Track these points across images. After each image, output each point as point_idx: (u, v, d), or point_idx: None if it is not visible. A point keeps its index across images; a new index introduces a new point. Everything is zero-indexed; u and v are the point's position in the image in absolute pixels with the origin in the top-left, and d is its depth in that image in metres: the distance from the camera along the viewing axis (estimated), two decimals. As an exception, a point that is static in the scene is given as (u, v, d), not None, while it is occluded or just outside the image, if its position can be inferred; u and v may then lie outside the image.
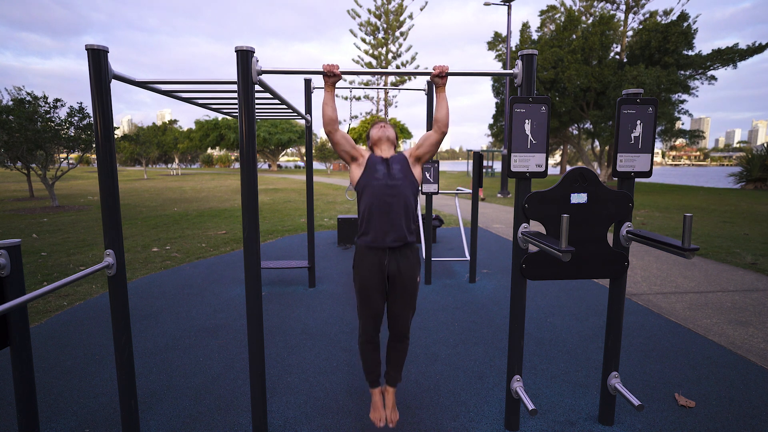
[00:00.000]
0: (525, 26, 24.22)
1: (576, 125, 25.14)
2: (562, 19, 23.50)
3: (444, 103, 2.09)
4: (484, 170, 30.97)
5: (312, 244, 4.71)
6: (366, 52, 29.17)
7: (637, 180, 12.07)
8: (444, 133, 2.13)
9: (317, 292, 4.57)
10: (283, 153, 53.02)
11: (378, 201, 2.02)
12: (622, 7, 23.63)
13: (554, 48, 21.31)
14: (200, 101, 3.30)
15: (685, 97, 20.71)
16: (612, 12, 23.16)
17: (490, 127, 28.28)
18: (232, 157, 65.92)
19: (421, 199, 10.19)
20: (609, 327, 2.25)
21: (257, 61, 1.95)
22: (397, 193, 2.03)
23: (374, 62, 29.08)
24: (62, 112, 23.59)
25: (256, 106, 3.75)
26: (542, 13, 25.41)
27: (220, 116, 43.43)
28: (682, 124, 22.25)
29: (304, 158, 8.43)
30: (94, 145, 12.03)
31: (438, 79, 2.04)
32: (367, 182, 2.06)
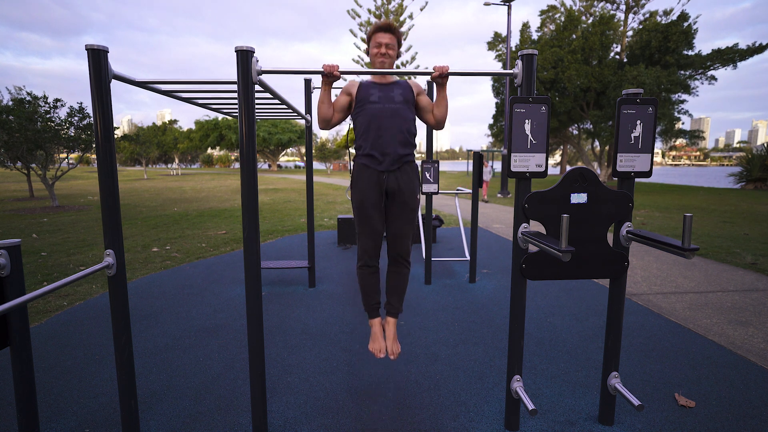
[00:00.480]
0: (525, 26, 24.23)
1: (576, 125, 25.15)
2: (562, 19, 23.50)
3: (444, 102, 2.08)
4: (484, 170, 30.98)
5: (312, 244, 4.71)
6: (366, 53, 29.20)
7: (637, 180, 12.02)
8: (439, 128, 2.12)
9: (317, 292, 4.57)
10: (283, 153, 53.02)
11: (375, 121, 1.94)
12: (622, 7, 23.63)
13: (554, 48, 21.31)
14: (200, 101, 3.30)
15: (685, 97, 20.73)
16: (612, 12, 23.17)
17: (490, 127, 28.28)
18: (232, 157, 65.92)
19: (422, 200, 10.19)
20: (609, 327, 2.26)
21: (257, 61, 1.95)
22: (395, 113, 1.94)
23: (374, 62, 29.09)
24: (62, 112, 23.57)
25: (256, 106, 3.75)
26: (542, 13, 25.41)
27: (220, 116, 43.44)
28: (683, 124, 22.25)
29: (304, 158, 8.43)
30: (94, 145, 12.03)
31: (440, 79, 2.04)
32: (361, 107, 1.97)
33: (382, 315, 2.19)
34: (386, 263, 2.29)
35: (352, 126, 2.16)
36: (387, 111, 1.93)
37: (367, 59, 29.17)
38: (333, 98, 2.09)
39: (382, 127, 1.94)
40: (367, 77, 2.08)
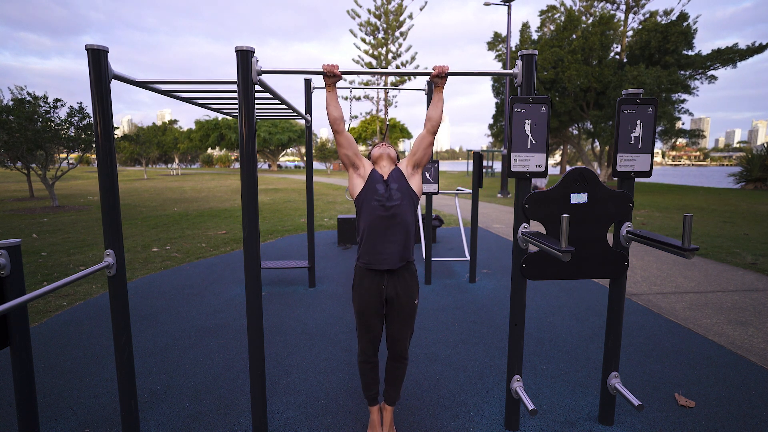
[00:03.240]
0: (525, 26, 24.23)
1: (576, 125, 25.15)
2: (562, 19, 23.49)
3: (440, 104, 2.09)
4: (484, 170, 30.99)
5: (312, 244, 4.71)
6: (366, 52, 29.17)
7: (637, 180, 12.05)
8: (435, 133, 2.13)
9: (317, 292, 4.57)
10: (283, 153, 53.02)
11: (376, 224, 2.00)
12: (622, 7, 23.62)
13: (554, 48, 21.31)
14: (200, 101, 3.30)
15: (685, 96, 20.72)
16: (612, 12, 23.14)
17: (490, 127, 28.28)
18: (232, 157, 65.93)
19: (422, 199, 10.19)
20: (609, 327, 2.26)
21: (257, 61, 1.95)
22: (396, 214, 2.01)
23: (374, 62, 29.07)
24: (62, 112, 23.58)
25: (256, 106, 3.75)
26: (542, 13, 25.40)
27: (220, 116, 43.44)
28: (683, 123, 22.24)
29: (304, 158, 8.42)
30: (94, 145, 12.03)
31: (438, 79, 2.04)
32: (365, 200, 2.04)
33: (380, 400, 2.27)
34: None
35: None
36: (388, 213, 1.99)
37: (367, 59, 29.18)
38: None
39: (382, 232, 2.01)
40: (376, 169, 2.11)
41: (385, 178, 2.07)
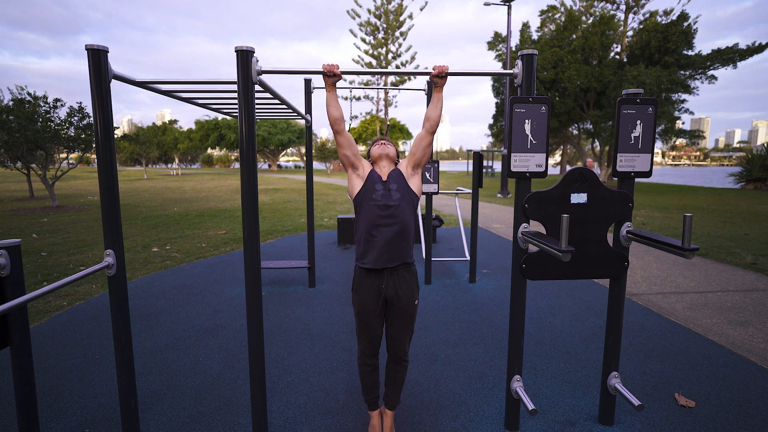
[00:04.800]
0: (525, 26, 24.24)
1: (576, 125, 25.15)
2: (562, 19, 23.51)
3: (439, 103, 2.09)
4: (484, 170, 30.97)
5: (312, 244, 4.71)
6: (366, 52, 29.18)
7: (637, 180, 12.02)
8: (434, 133, 2.13)
9: (317, 292, 4.57)
10: (283, 153, 53.03)
11: (376, 225, 2.00)
12: (622, 7, 23.63)
13: (554, 48, 21.32)
14: (200, 101, 3.30)
15: (685, 96, 20.73)
16: (612, 12, 23.16)
17: (490, 127, 28.29)
18: (232, 157, 65.93)
19: (422, 199, 10.20)
20: (609, 327, 2.25)
21: (257, 61, 1.95)
22: (395, 214, 2.00)
23: (374, 62, 29.07)
24: (62, 112, 23.57)
25: (256, 106, 3.75)
26: (542, 13, 25.41)
27: (220, 116, 43.44)
28: (683, 123, 22.25)
29: (304, 158, 8.42)
30: (94, 145, 12.03)
31: (437, 79, 2.04)
32: (364, 200, 2.03)
33: (381, 404, 2.27)
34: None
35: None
36: (386, 213, 1.98)
37: (367, 59, 29.18)
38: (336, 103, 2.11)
39: (381, 233, 1.99)
40: (375, 169, 2.11)
41: (384, 178, 2.07)
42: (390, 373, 2.19)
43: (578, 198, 2.05)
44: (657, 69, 18.69)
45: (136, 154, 36.74)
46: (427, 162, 4.50)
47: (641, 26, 21.87)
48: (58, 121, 11.64)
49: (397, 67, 28.85)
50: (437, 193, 4.63)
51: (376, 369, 2.18)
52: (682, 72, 19.86)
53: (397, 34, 28.81)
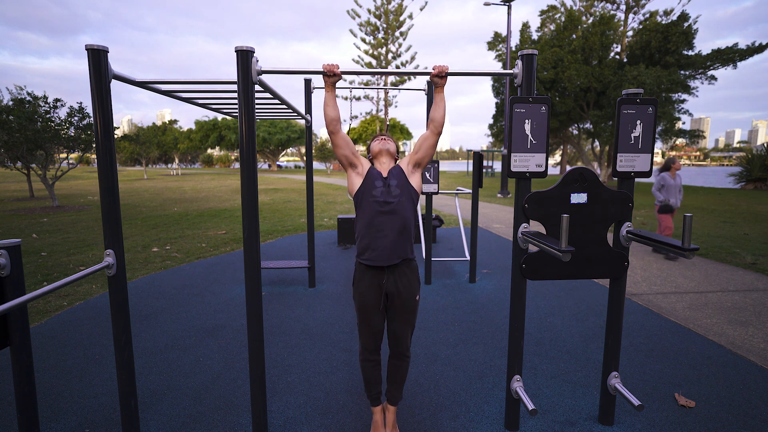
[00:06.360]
0: (525, 26, 24.24)
1: (576, 125, 25.15)
2: (562, 19, 23.51)
3: (442, 104, 2.08)
4: (484, 170, 30.98)
5: (312, 244, 4.71)
6: (366, 52, 29.17)
7: (637, 180, 11.99)
8: (439, 133, 2.13)
9: (317, 292, 4.57)
10: (283, 153, 53.04)
11: (376, 221, 2.00)
12: (622, 7, 23.63)
13: (554, 48, 21.32)
14: (200, 101, 3.30)
15: (685, 96, 20.73)
16: (612, 12, 23.16)
17: (490, 127, 28.28)
18: (232, 157, 65.94)
19: (421, 199, 10.19)
20: (609, 327, 2.25)
21: (257, 61, 1.95)
22: (395, 210, 2.00)
23: (374, 62, 29.07)
24: (62, 112, 23.55)
25: (256, 106, 3.75)
26: (542, 13, 25.42)
27: (219, 116, 43.44)
28: (683, 123, 22.25)
29: (304, 158, 8.43)
30: (94, 145, 12.03)
31: (437, 79, 2.04)
32: (364, 196, 2.04)
33: (383, 400, 2.27)
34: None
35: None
36: (386, 209, 1.99)
37: (367, 59, 29.18)
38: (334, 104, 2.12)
39: (381, 228, 2.00)
40: (375, 166, 2.11)
41: (384, 175, 2.07)
42: (392, 368, 2.19)
43: (578, 198, 2.05)
44: (657, 69, 18.70)
45: (136, 154, 36.74)
46: (429, 162, 4.50)
47: (641, 26, 21.87)
48: (58, 121, 11.64)
49: (397, 67, 28.84)
50: (437, 193, 4.63)
51: (378, 364, 2.18)
52: (682, 72, 19.87)
53: (397, 34, 28.80)
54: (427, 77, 3.08)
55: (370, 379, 2.18)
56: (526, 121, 2.03)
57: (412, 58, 29.51)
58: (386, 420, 2.21)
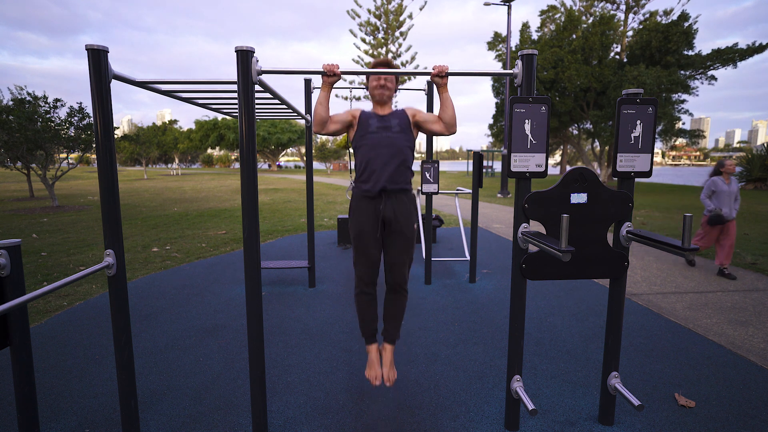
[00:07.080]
0: (525, 26, 24.24)
1: (576, 125, 25.15)
2: (562, 19, 23.51)
3: (449, 104, 2.07)
4: (484, 170, 30.95)
5: (312, 244, 4.71)
6: (366, 53, 29.14)
7: (637, 180, 12.00)
8: (453, 132, 2.13)
9: (317, 292, 4.57)
10: (283, 153, 53.04)
11: (372, 151, 2.01)
12: (622, 7, 23.64)
13: (554, 48, 21.32)
14: (200, 101, 3.30)
15: (685, 96, 20.73)
16: (612, 12, 23.17)
17: (490, 127, 28.28)
18: (232, 157, 65.94)
19: (421, 199, 10.19)
20: (609, 327, 2.26)
21: (257, 61, 1.95)
22: (392, 143, 2.01)
23: (374, 62, 29.05)
24: (62, 112, 23.55)
25: (256, 106, 3.75)
26: (542, 13, 25.42)
27: (219, 116, 43.44)
28: (683, 123, 22.25)
29: (304, 158, 8.42)
30: (94, 145, 12.03)
31: (438, 79, 2.04)
32: (361, 136, 2.05)
33: (379, 341, 2.22)
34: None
35: (352, 151, 2.20)
36: (385, 140, 2.00)
37: (367, 59, 29.17)
38: (333, 107, 2.13)
39: (379, 157, 2.01)
40: (369, 108, 2.13)
41: (383, 114, 2.10)
42: (388, 303, 2.14)
43: (578, 198, 2.05)
44: (657, 69, 18.70)
45: (136, 154, 36.76)
46: (427, 161, 4.50)
47: (641, 26, 21.87)
48: (58, 121, 11.64)
49: (397, 67, 28.84)
50: (437, 193, 4.63)
51: (373, 299, 2.14)
52: (682, 72, 19.87)
53: (397, 34, 28.78)
54: (428, 77, 3.08)
55: (365, 315, 2.13)
56: (526, 121, 2.03)
57: (413, 58, 29.50)
58: (383, 359, 2.17)
